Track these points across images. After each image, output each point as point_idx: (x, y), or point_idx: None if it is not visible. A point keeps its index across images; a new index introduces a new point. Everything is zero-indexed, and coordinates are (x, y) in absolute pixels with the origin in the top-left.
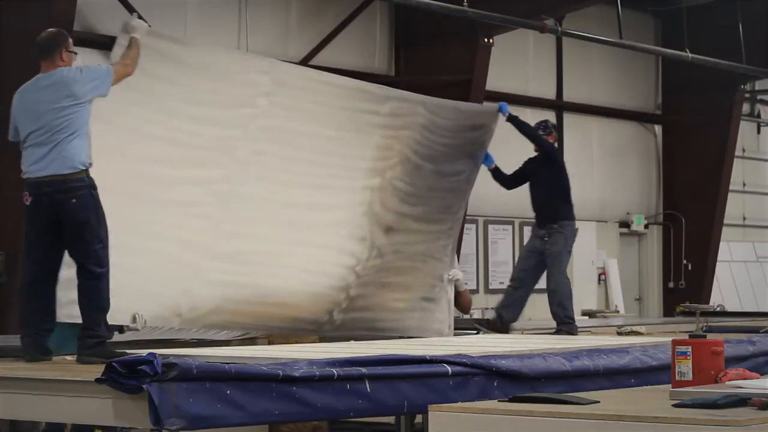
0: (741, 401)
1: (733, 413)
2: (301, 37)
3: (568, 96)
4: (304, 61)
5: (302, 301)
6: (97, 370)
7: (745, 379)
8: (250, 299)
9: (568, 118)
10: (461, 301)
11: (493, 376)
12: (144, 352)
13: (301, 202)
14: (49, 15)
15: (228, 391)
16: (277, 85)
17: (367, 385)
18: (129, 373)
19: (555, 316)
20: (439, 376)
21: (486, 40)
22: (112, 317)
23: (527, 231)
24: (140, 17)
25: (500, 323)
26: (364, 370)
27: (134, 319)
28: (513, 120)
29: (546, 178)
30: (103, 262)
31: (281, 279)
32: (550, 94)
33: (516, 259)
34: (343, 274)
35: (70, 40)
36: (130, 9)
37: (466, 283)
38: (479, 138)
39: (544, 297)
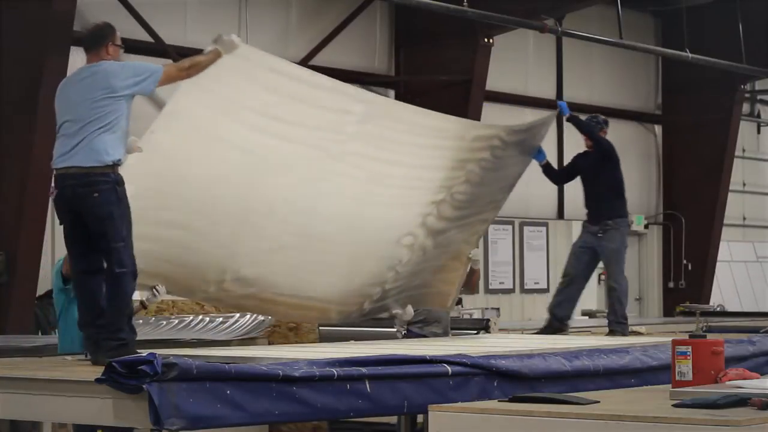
0: (741, 401)
1: (733, 413)
2: (301, 37)
3: (568, 96)
4: (304, 61)
5: (337, 297)
6: (97, 370)
7: (745, 379)
8: (285, 293)
9: None
10: (472, 280)
11: (493, 376)
12: (144, 352)
13: (365, 216)
14: (49, 15)
15: (228, 391)
16: (369, 116)
17: (367, 385)
18: (129, 373)
19: (611, 314)
20: (439, 376)
21: (486, 40)
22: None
23: (527, 231)
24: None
25: (557, 322)
26: (364, 370)
27: (154, 294)
28: (573, 120)
29: (601, 175)
30: (124, 261)
31: (321, 280)
32: (550, 94)
33: (516, 259)
34: (382, 272)
35: (118, 34)
36: (130, 9)
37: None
38: (536, 140)
39: (544, 297)
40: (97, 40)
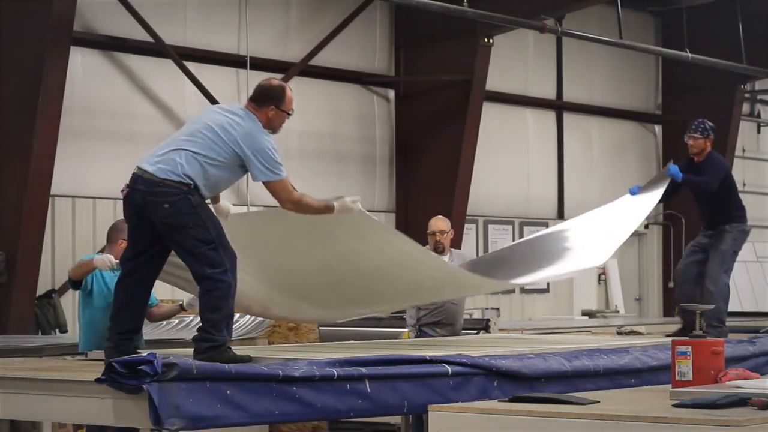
0: (741, 401)
1: (733, 413)
2: (301, 37)
3: (568, 96)
4: (304, 61)
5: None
6: (97, 370)
7: (745, 379)
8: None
9: (568, 118)
10: None
11: (493, 376)
12: (144, 352)
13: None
14: (49, 15)
15: (228, 391)
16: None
17: (367, 385)
18: (129, 373)
19: (705, 317)
20: (439, 376)
21: (486, 40)
22: None
23: (527, 231)
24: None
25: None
26: (364, 370)
27: (190, 304)
28: (687, 180)
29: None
30: (216, 262)
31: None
32: (550, 94)
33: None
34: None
35: (287, 99)
36: (130, 9)
37: None
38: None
39: (545, 297)
40: (261, 98)
